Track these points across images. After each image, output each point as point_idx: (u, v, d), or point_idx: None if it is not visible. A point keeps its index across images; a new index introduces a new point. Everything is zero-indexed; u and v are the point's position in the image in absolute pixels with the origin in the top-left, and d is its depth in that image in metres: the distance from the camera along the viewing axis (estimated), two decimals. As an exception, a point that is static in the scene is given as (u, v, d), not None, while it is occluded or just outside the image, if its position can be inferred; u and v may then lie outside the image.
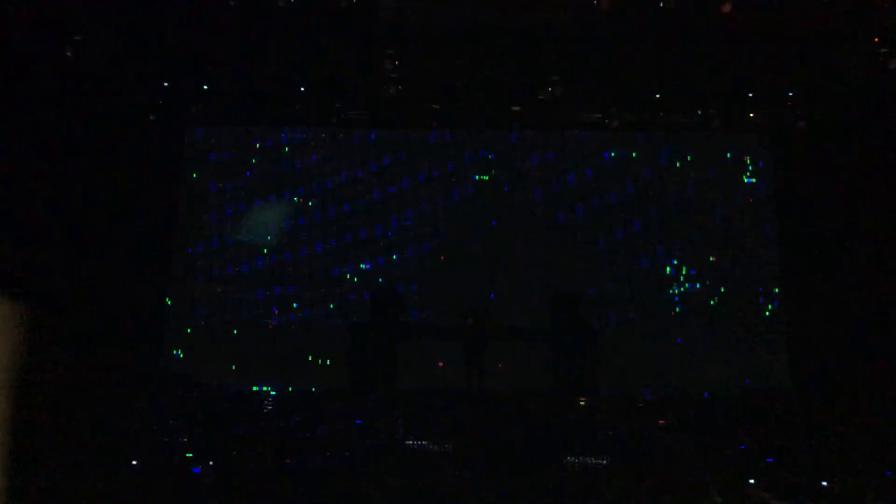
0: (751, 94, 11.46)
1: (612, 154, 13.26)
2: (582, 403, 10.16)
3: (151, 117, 11.88)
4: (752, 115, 11.66)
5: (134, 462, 9.02)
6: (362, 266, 12.99)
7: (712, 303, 12.75)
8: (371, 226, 13.05)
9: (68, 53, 9.82)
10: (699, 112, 11.77)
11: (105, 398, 10.11)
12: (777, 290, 12.60)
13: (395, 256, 13.00)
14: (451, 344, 11.34)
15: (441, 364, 11.84)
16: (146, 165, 12.28)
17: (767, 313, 12.65)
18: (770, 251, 12.71)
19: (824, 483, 8.79)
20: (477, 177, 13.45)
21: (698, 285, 12.86)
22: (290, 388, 11.54)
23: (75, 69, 10.41)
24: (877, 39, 9.51)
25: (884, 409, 9.89)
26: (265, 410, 10.24)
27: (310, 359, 12.49)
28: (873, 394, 10.45)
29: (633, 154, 13.26)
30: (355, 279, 12.91)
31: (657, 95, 11.72)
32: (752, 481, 8.96)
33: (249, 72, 11.44)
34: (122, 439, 9.22)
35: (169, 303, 12.64)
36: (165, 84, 11.59)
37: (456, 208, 13.10)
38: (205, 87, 11.73)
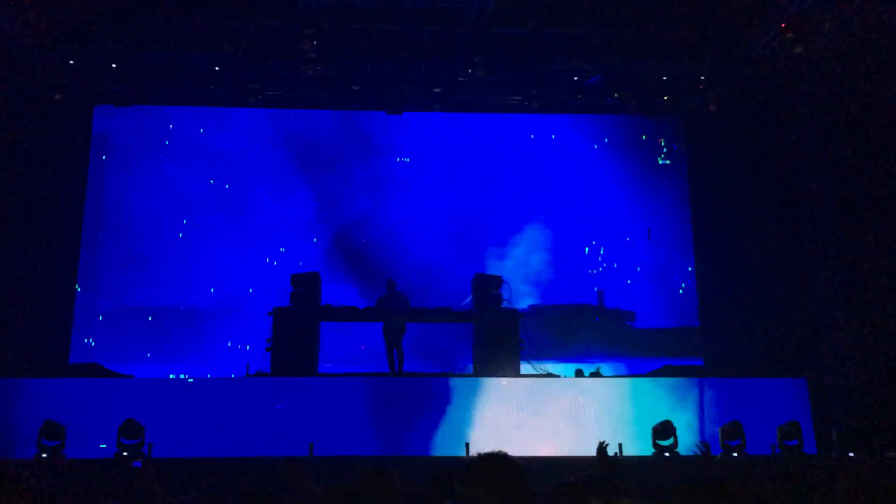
0: (664, 78, 11.73)
1: (532, 136, 13.40)
2: (504, 384, 10.26)
3: (57, 96, 11.34)
4: (665, 97, 11.93)
5: (44, 455, 8.73)
6: (281, 249, 12.80)
7: (628, 282, 13.07)
8: (290, 208, 12.84)
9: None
10: (615, 95, 11.96)
11: (16, 387, 9.71)
12: (690, 269, 12.99)
13: (315, 239, 12.85)
14: (372, 327, 11.27)
15: (363, 347, 11.79)
16: (53, 147, 11.79)
17: (681, 291, 13.04)
18: (683, 231, 13.08)
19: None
20: (398, 158, 13.40)
21: (615, 265, 13.15)
22: (209, 375, 11.29)
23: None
24: (783, 25, 9.85)
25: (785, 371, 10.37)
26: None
27: (229, 345, 12.25)
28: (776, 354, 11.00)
29: (552, 136, 13.43)
30: (275, 263, 12.71)
31: (575, 78, 11.87)
32: (667, 455, 9.29)
33: (163, 50, 11.07)
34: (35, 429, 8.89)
35: (79, 289, 12.18)
36: (71, 62, 11.10)
37: (377, 189, 13.02)
38: (113, 65, 11.27)
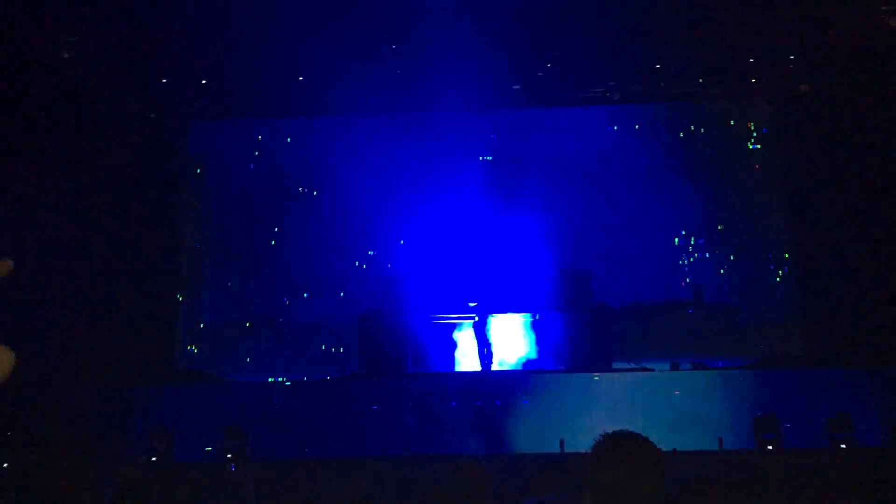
0: (751, 60, 11.35)
1: (615, 128, 13.18)
2: (596, 378, 10.14)
3: (152, 115, 11.87)
4: (753, 80, 11.55)
5: (153, 459, 9.12)
6: (370, 252, 12.99)
7: (722, 271, 12.69)
8: (376, 211, 13.02)
9: (65, 55, 9.82)
10: (700, 81, 11.66)
11: (119, 394, 10.19)
12: (787, 256, 12.51)
13: (401, 241, 12.99)
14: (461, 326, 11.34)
15: (454, 345, 11.84)
16: (152, 163, 12.34)
17: (778, 279, 12.58)
18: (779, 216, 12.63)
19: (843, 447, 8.78)
20: (481, 157, 13.41)
21: (707, 255, 12.80)
22: (305, 378, 11.57)
23: (71, 70, 10.43)
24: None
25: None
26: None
27: (323, 348, 12.52)
28: (887, 353, 10.41)
29: (636, 126, 13.18)
30: (364, 266, 12.91)
31: (657, 66, 11.64)
32: (770, 448, 8.96)
33: (247, 64, 11.41)
34: (138, 436, 9.30)
35: (180, 298, 12.69)
36: (164, 80, 11.58)
37: (460, 190, 13.05)
38: (203, 81, 11.73)
